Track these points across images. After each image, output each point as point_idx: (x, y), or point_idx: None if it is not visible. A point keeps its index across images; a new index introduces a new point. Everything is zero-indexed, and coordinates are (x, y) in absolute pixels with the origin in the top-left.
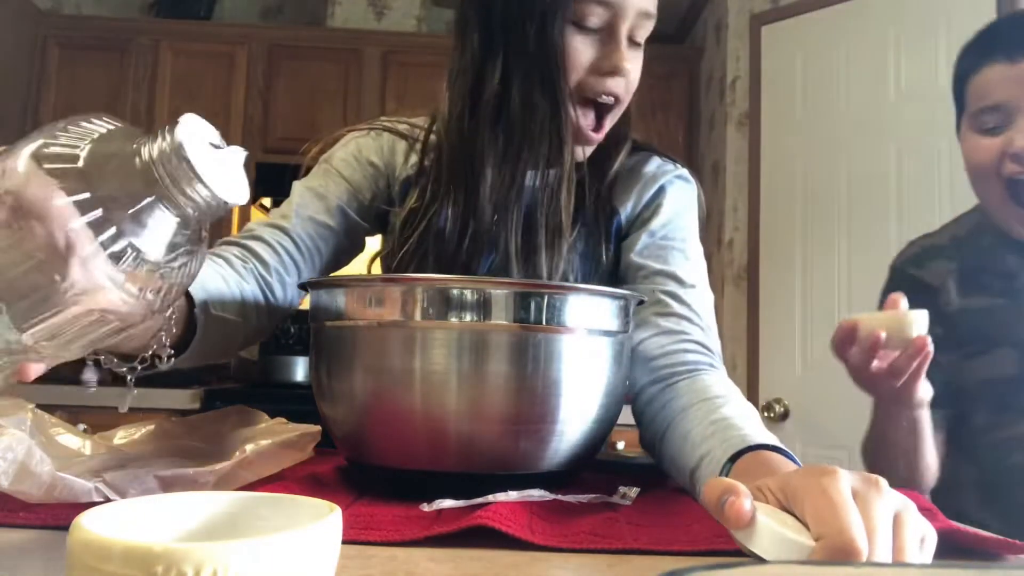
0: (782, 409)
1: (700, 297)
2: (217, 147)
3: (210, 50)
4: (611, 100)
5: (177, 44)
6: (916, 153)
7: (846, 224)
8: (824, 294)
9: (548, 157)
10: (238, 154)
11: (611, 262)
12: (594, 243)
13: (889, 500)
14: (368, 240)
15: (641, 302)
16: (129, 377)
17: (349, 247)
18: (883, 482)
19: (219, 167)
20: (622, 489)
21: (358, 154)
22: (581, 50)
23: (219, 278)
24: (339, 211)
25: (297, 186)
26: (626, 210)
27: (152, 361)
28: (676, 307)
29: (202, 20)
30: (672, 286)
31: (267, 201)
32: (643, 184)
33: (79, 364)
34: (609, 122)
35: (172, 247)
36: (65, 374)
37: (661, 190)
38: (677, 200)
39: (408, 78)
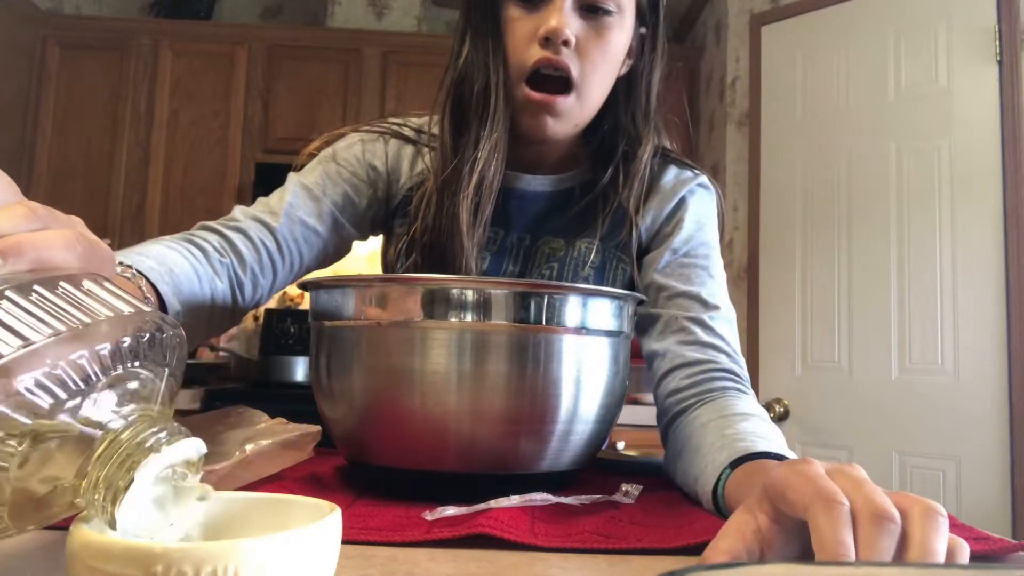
0: (782, 409)
1: (725, 319)
2: (182, 480)
3: (210, 50)
4: (556, 72)
5: (177, 44)
6: (916, 153)
7: (846, 224)
8: (824, 294)
9: (506, 141)
10: (192, 495)
11: (629, 277)
12: (611, 257)
13: (863, 473)
14: (358, 242)
15: (641, 302)
16: None
17: (334, 253)
18: (858, 465)
19: (152, 510)
20: (624, 487)
21: (361, 156)
22: (521, 22)
23: (193, 276)
24: (330, 216)
25: (293, 179)
26: (645, 223)
27: None
28: (702, 335)
29: (202, 20)
30: (697, 310)
31: None
32: (662, 196)
33: None
34: (567, 99)
35: None
36: None
37: (682, 202)
38: (698, 212)
39: (408, 78)
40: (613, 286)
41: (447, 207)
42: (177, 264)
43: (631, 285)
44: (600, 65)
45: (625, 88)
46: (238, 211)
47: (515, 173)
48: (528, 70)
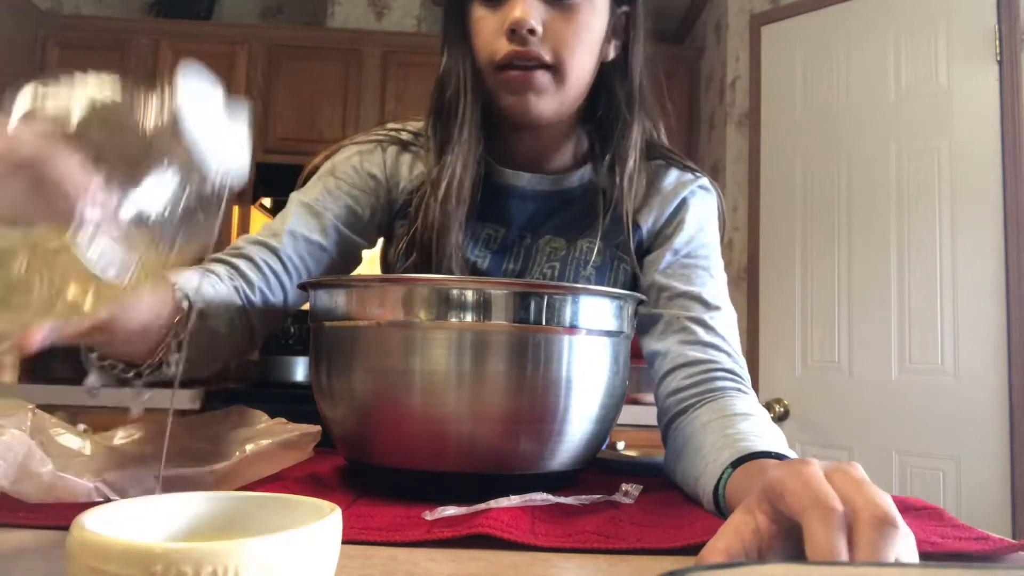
0: (782, 409)
1: (725, 319)
2: (218, 103)
3: (210, 50)
4: (528, 63)
5: (177, 44)
6: (916, 153)
7: (846, 224)
8: (824, 294)
9: (473, 144)
10: (241, 112)
11: (631, 276)
12: (613, 257)
13: (863, 474)
14: (366, 251)
15: (641, 302)
16: (136, 383)
17: (342, 265)
18: (858, 464)
19: (220, 129)
20: (624, 487)
21: (359, 166)
22: (486, 20)
23: (210, 287)
24: (334, 229)
25: (294, 200)
26: (647, 224)
27: (158, 367)
28: (703, 335)
29: (202, 20)
30: (698, 310)
31: (267, 201)
32: (663, 198)
33: (81, 369)
34: (545, 74)
35: (173, 209)
36: (65, 375)
37: (683, 204)
38: (699, 213)
39: (408, 78)
40: (615, 286)
41: (433, 209)
42: (195, 276)
43: (633, 285)
44: (575, 48)
45: (617, 72)
46: (241, 239)
47: (515, 172)
48: (497, 63)
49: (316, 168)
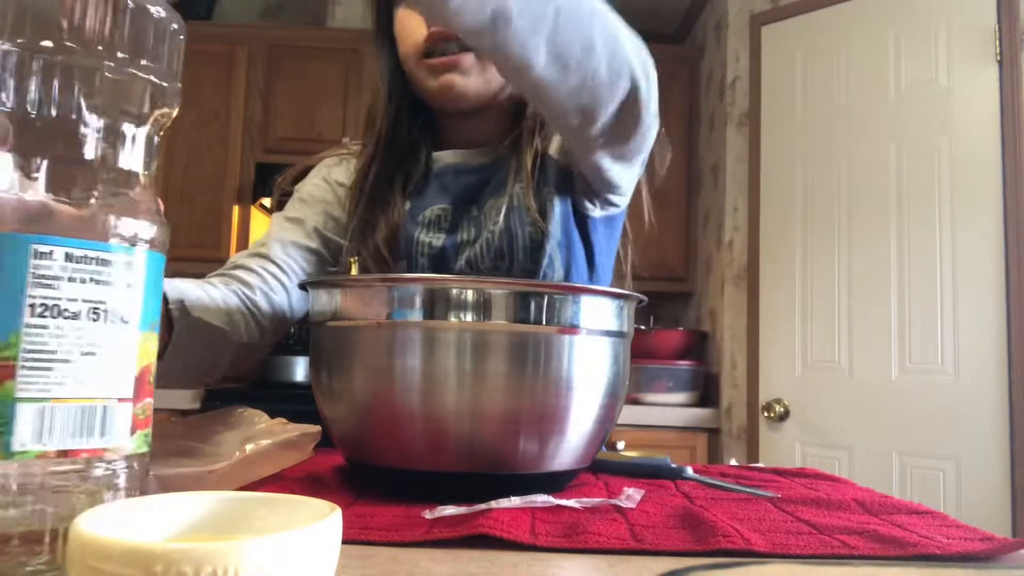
0: (782, 409)
1: None
2: None
3: (210, 50)
4: (449, 44)
5: None
6: (916, 153)
7: (846, 224)
8: (824, 294)
9: (409, 127)
10: None
11: (562, 179)
12: (546, 197)
13: None
14: None
15: (640, 302)
16: None
17: (333, 266)
18: None
19: None
20: (626, 491)
21: (328, 177)
22: (408, 17)
23: (198, 289)
24: (316, 233)
25: (275, 218)
26: (557, 152)
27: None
28: None
29: (202, 20)
30: None
31: (267, 201)
32: None
33: None
34: (468, 56)
35: None
36: None
37: None
38: None
39: None
40: (556, 221)
41: (362, 214)
42: (183, 282)
43: (566, 180)
44: None
45: None
46: (232, 258)
47: (447, 151)
48: (421, 49)
49: (284, 185)
